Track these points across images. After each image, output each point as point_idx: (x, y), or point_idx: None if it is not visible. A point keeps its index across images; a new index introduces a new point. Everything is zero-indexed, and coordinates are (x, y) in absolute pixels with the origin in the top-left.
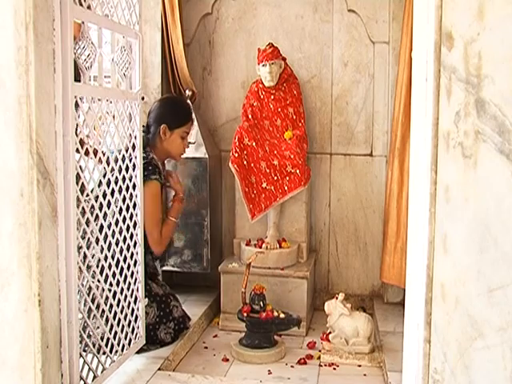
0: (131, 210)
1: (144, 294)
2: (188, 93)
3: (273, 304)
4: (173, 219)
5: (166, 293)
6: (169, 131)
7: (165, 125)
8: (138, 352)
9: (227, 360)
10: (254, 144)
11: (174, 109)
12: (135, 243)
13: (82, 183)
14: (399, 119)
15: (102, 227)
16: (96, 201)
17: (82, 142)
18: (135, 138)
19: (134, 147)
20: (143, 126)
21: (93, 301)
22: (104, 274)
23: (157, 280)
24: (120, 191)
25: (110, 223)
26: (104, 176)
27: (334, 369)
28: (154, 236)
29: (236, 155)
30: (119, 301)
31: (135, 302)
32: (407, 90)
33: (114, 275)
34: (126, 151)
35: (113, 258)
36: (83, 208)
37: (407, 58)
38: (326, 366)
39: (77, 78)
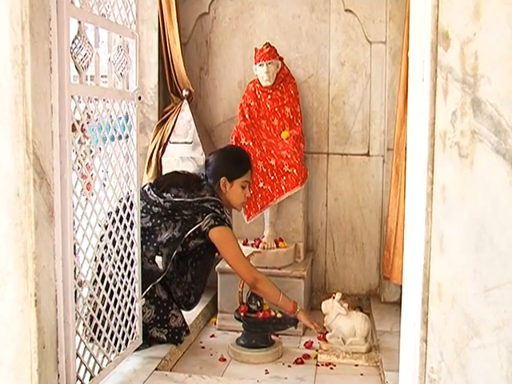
0: (128, 209)
1: (142, 293)
2: (185, 92)
3: (270, 304)
4: (279, 298)
5: (170, 300)
6: (228, 183)
7: (224, 178)
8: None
9: (224, 360)
10: (250, 144)
11: (231, 160)
12: (132, 243)
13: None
14: (403, 118)
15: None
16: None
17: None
18: (132, 139)
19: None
20: (202, 175)
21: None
22: (101, 274)
23: (165, 285)
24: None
25: (107, 223)
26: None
27: (331, 368)
28: (241, 265)
29: None
30: (116, 300)
31: (132, 302)
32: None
33: (110, 275)
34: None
35: (110, 257)
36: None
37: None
38: (323, 365)
39: None
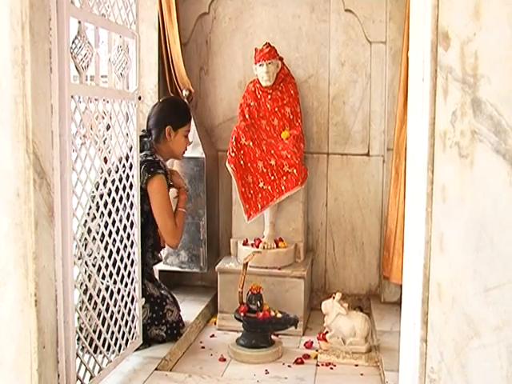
0: (128, 209)
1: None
2: (185, 92)
3: (270, 304)
4: (182, 209)
5: (163, 295)
6: (173, 132)
7: (169, 126)
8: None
9: (224, 360)
10: (250, 144)
11: (175, 110)
12: (132, 243)
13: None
14: (403, 119)
15: (98, 226)
16: (93, 200)
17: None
18: (132, 138)
19: (130, 148)
20: (143, 131)
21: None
22: (101, 274)
23: (155, 281)
24: (117, 191)
25: (107, 222)
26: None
27: (331, 368)
28: (170, 227)
29: (233, 155)
30: (116, 300)
31: (132, 302)
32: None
33: (110, 275)
34: (126, 159)
35: (110, 257)
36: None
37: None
38: (323, 365)
39: None
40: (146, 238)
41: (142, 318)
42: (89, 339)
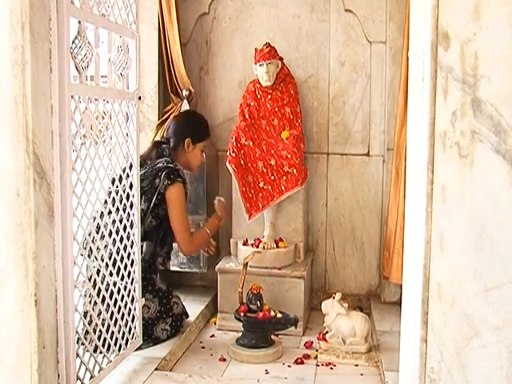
0: (128, 209)
1: (146, 289)
2: (185, 92)
3: (270, 304)
4: (208, 231)
5: (169, 289)
6: (192, 145)
7: (189, 138)
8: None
9: (224, 360)
10: (251, 144)
11: (197, 124)
12: (132, 243)
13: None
14: (404, 119)
15: (98, 227)
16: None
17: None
18: (132, 138)
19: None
20: (162, 137)
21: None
22: (101, 274)
23: (161, 275)
24: (117, 191)
25: (107, 223)
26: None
27: (331, 368)
28: (184, 235)
29: (233, 155)
30: (116, 300)
31: (132, 302)
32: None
33: (110, 274)
34: (130, 169)
35: (110, 257)
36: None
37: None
38: (323, 365)
39: None
40: (162, 244)
41: (150, 311)
42: (89, 339)
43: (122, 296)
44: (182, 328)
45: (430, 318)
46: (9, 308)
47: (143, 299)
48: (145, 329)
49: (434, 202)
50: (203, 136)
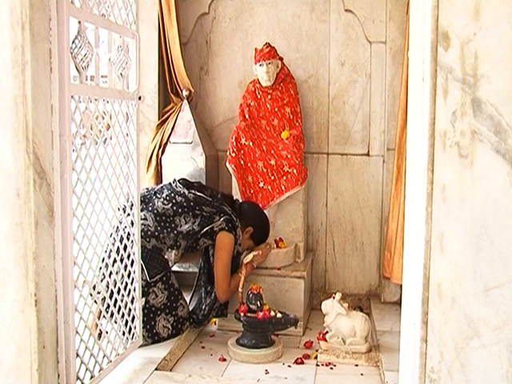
0: (128, 209)
1: (161, 280)
2: (185, 92)
3: (270, 304)
4: (242, 276)
5: (180, 290)
6: (248, 234)
7: (253, 230)
8: None
9: (224, 360)
10: (251, 144)
11: (265, 228)
12: (132, 243)
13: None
14: (405, 119)
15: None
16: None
17: None
18: (132, 138)
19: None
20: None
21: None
22: (101, 274)
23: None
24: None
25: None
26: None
27: (331, 368)
28: (224, 286)
29: (233, 155)
30: (116, 300)
31: (132, 302)
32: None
33: (110, 275)
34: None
35: (109, 257)
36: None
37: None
38: (323, 365)
39: None
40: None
41: (155, 300)
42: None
43: (122, 296)
44: (183, 332)
45: (429, 318)
46: (9, 308)
47: (143, 299)
48: (146, 317)
49: (433, 201)
50: (260, 239)
